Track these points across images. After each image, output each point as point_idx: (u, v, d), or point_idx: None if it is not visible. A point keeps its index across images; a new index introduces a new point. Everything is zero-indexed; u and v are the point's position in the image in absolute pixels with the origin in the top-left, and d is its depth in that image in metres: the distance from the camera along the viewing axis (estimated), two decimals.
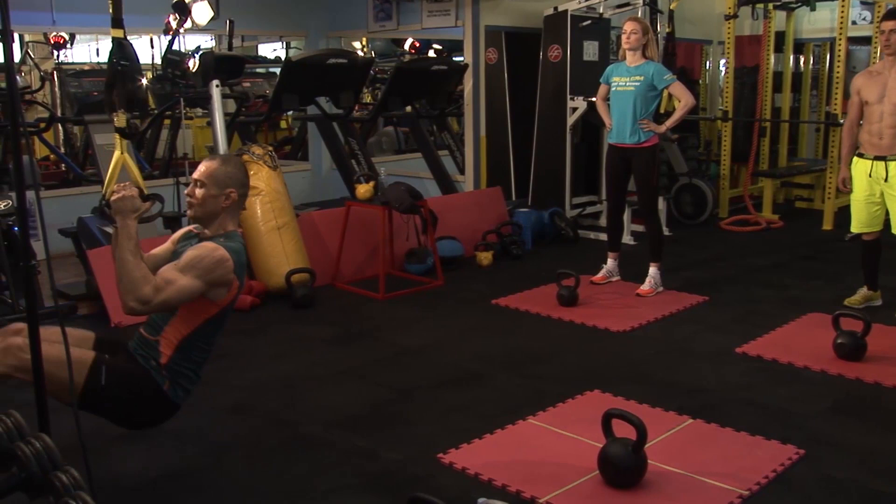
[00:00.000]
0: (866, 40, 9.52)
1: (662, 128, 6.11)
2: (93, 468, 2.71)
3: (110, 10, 5.45)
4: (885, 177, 5.41)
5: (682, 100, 6.03)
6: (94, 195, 6.60)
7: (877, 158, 5.44)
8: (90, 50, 13.51)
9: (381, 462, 3.65)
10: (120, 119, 5.53)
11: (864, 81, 5.53)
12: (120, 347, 3.46)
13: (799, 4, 9.46)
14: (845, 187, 5.74)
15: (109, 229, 6.17)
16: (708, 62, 11.37)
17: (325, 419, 4.10)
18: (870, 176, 5.47)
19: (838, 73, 8.71)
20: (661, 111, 6.22)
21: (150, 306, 3.11)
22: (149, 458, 3.71)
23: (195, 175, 3.36)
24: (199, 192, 3.34)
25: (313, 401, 4.35)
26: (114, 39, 5.62)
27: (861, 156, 5.55)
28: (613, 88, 6.15)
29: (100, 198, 5.94)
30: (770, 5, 9.46)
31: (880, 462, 3.64)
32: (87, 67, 11.20)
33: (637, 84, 6.00)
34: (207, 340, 3.40)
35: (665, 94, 6.27)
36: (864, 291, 5.82)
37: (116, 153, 5.65)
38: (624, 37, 6.05)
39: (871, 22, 9.41)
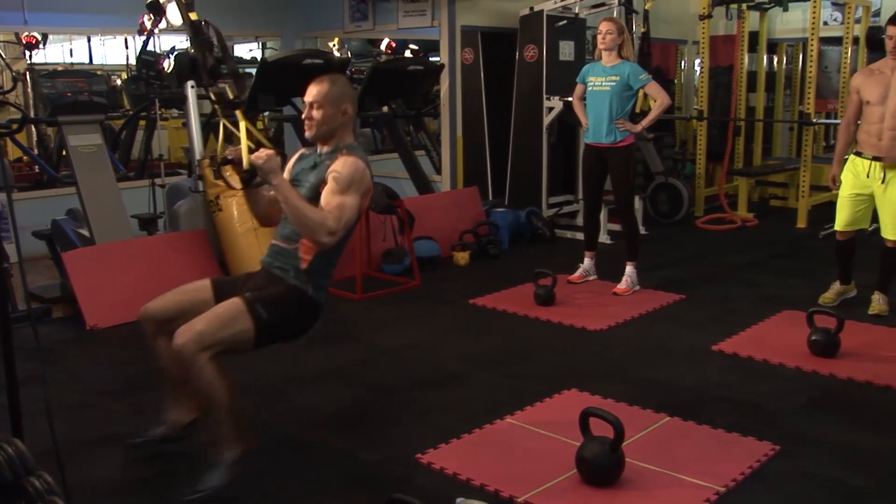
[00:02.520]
0: (837, 40, 9.60)
1: (638, 127, 6.13)
2: (68, 473, 2.68)
3: None
4: (882, 178, 5.38)
5: (658, 99, 6.05)
6: (68, 197, 6.55)
7: (875, 159, 5.39)
8: (63, 50, 13.40)
9: (360, 463, 3.64)
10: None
11: (863, 80, 5.45)
12: (239, 280, 3.64)
13: (772, 5, 9.52)
14: (835, 185, 5.68)
15: (84, 231, 6.16)
16: (683, 62, 11.43)
17: (304, 420, 4.09)
18: (867, 176, 5.41)
19: (811, 72, 8.78)
20: (637, 111, 6.24)
21: (339, 233, 3.32)
22: (126, 462, 3.68)
23: (309, 98, 3.45)
24: (316, 113, 3.44)
25: (292, 402, 4.34)
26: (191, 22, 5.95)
27: (859, 154, 5.49)
28: (589, 88, 6.16)
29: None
30: (744, 6, 9.52)
31: (855, 457, 3.66)
32: (60, 68, 11.11)
33: (613, 84, 6.01)
34: (343, 243, 3.48)
35: (640, 93, 6.29)
36: (836, 287, 5.85)
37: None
38: (599, 37, 6.06)
39: (842, 23, 9.51)
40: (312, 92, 3.46)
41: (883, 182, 5.37)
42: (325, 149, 3.52)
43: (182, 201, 6.56)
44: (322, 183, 3.38)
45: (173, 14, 6.24)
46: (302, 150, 3.70)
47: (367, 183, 3.44)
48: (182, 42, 9.98)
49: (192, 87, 6.59)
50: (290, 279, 3.43)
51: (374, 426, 4.03)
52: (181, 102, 6.87)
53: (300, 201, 3.27)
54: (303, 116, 3.51)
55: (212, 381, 3.24)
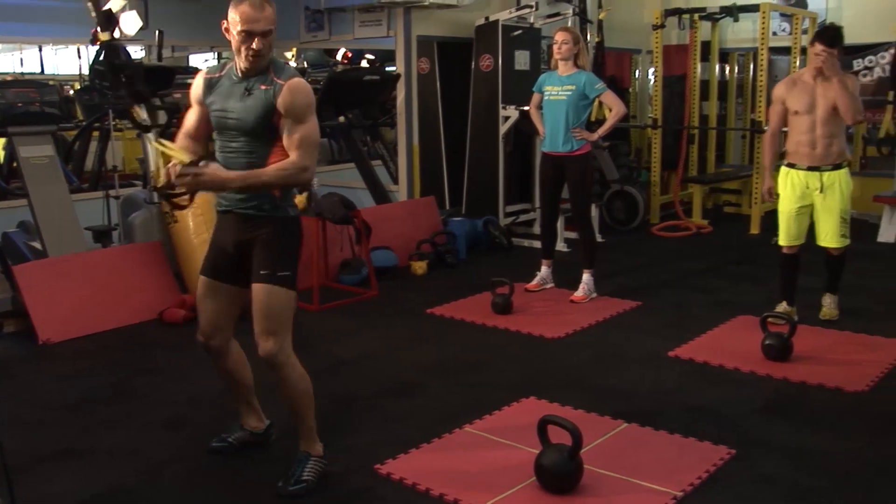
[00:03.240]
0: (786, 50, 9.76)
1: (595, 136, 6.17)
2: (19, 490, 2.63)
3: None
4: (819, 187, 5.35)
5: (614, 108, 6.10)
6: (20, 210, 6.44)
7: (810, 169, 5.36)
8: (13, 60, 13.19)
9: None
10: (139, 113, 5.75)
11: (787, 90, 5.44)
12: (220, 253, 3.49)
13: (723, 15, 9.66)
14: (770, 197, 5.64)
15: (36, 244, 6.06)
16: (637, 71, 11.54)
17: None
18: (807, 187, 5.38)
19: (761, 81, 8.92)
20: (592, 119, 6.28)
21: (314, 161, 3.28)
22: (81, 478, 3.61)
23: (260, 26, 3.13)
24: (264, 42, 3.17)
25: None
26: (103, 43, 5.87)
27: (792, 166, 5.46)
28: (546, 97, 6.20)
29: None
30: (696, 16, 9.66)
31: (807, 458, 3.72)
32: (10, 78, 10.93)
33: (569, 93, 6.05)
34: None
35: (596, 102, 6.34)
36: (783, 306, 5.68)
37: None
38: (555, 47, 6.10)
39: (790, 33, 9.68)
40: (261, 18, 3.14)
41: (821, 191, 5.35)
42: (247, 72, 3.26)
43: (137, 213, 6.50)
44: (273, 112, 3.20)
45: (126, 24, 6.18)
46: (207, 75, 3.40)
47: (313, 96, 3.31)
48: (137, 52, 9.89)
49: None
50: (270, 214, 3.34)
51: (333, 436, 4.00)
52: None
53: (264, 176, 3.19)
54: (246, 48, 3.18)
55: (301, 376, 3.45)
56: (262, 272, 3.33)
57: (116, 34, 6.16)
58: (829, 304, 5.66)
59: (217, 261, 3.49)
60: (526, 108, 6.74)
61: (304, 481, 3.44)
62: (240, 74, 3.28)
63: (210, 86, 3.36)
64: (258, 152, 3.26)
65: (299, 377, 3.45)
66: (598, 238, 7.66)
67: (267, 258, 3.33)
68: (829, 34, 5.26)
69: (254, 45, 3.16)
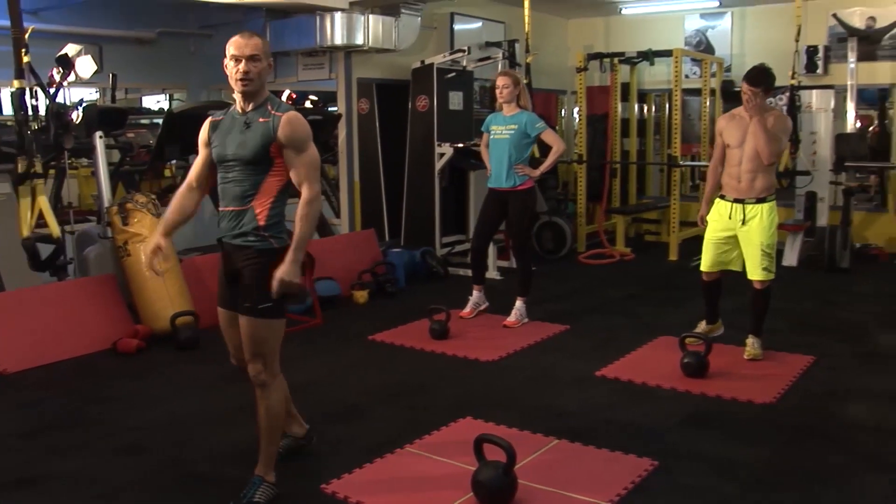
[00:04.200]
0: (697, 91, 10.04)
1: (536, 172, 6.26)
2: None
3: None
4: (742, 219, 5.31)
5: (554, 146, 6.21)
6: None
7: (736, 201, 5.33)
8: None
9: None
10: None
11: (725, 124, 5.41)
12: (224, 284, 3.54)
13: (640, 60, 9.89)
14: (702, 223, 5.62)
15: None
16: (563, 110, 11.75)
17: (215, 456, 4.01)
18: (729, 218, 5.37)
19: (676, 119, 9.14)
20: (538, 156, 6.33)
21: (318, 180, 3.36)
22: None
23: (246, 52, 3.26)
24: (253, 66, 3.28)
25: (203, 439, 4.24)
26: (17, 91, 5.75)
27: (722, 197, 5.43)
28: (491, 137, 6.27)
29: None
30: (615, 60, 9.86)
31: (724, 467, 3.80)
32: None
33: (512, 132, 6.13)
34: (285, 186, 3.42)
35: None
36: (703, 326, 5.79)
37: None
38: (497, 91, 6.19)
39: (700, 76, 9.96)
40: (248, 45, 3.28)
41: (744, 224, 5.30)
42: (249, 107, 3.35)
43: (91, 247, 6.43)
44: (271, 143, 3.28)
45: (82, 68, 6.14)
46: (212, 119, 3.51)
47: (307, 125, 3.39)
48: (91, 94, 9.77)
49: (101, 137, 6.48)
50: (254, 245, 3.37)
51: (280, 459, 3.96)
52: (90, 152, 6.71)
53: (300, 232, 3.29)
54: (237, 71, 3.28)
55: (279, 401, 3.52)
56: (245, 304, 3.37)
57: (72, 78, 6.11)
58: (751, 345, 5.43)
59: (222, 291, 3.56)
60: (460, 144, 6.80)
61: (256, 503, 3.42)
62: (240, 111, 3.38)
63: (214, 127, 3.47)
64: (252, 180, 3.35)
65: (278, 401, 3.50)
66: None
67: (250, 290, 3.36)
68: (751, 73, 5.21)
69: (241, 67, 3.27)
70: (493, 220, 6.39)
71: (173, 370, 5.43)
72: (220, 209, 3.47)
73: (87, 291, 6.01)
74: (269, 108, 3.34)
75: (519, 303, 6.36)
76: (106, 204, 6.33)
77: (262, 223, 3.36)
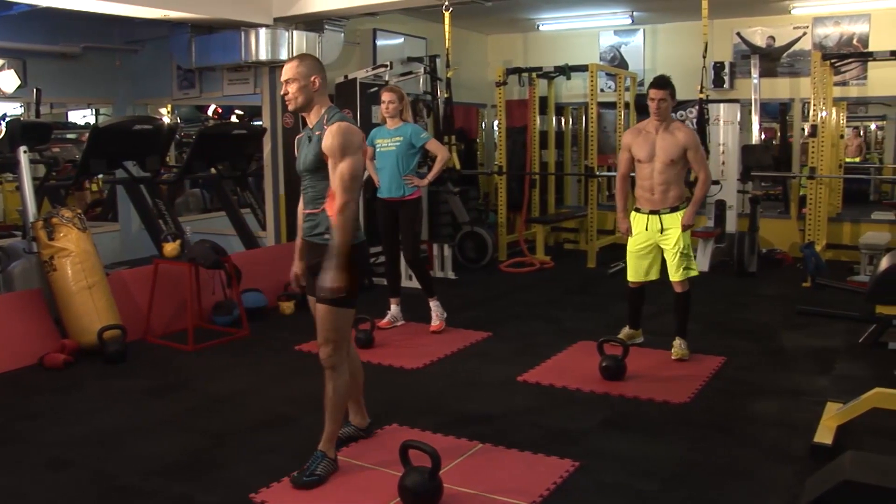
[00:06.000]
0: (612, 105, 10.22)
1: (424, 181, 6.36)
2: None
3: None
4: (660, 229, 5.41)
5: (439, 154, 6.32)
6: None
7: (651, 213, 5.42)
8: None
9: None
10: None
11: (633, 139, 5.49)
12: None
13: (557, 74, 10.03)
14: (628, 234, 5.60)
15: None
16: (483, 123, 11.83)
17: (142, 469, 3.91)
18: (646, 229, 5.47)
19: (592, 131, 9.28)
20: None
21: (353, 189, 3.54)
22: None
23: (284, 76, 3.67)
24: (291, 87, 3.66)
25: (130, 452, 4.14)
26: None
27: (638, 210, 5.51)
28: (378, 149, 6.29)
29: None
30: (534, 74, 9.99)
31: (642, 465, 3.86)
32: None
33: (397, 144, 6.18)
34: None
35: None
36: (626, 330, 5.85)
37: None
38: (383, 106, 6.23)
39: (615, 90, 10.13)
40: (286, 69, 3.67)
41: (662, 232, 5.44)
42: (312, 122, 3.71)
43: (17, 262, 6.24)
44: (322, 153, 3.59)
45: (5, 82, 5.96)
46: (297, 137, 3.89)
47: (356, 136, 3.61)
48: (15, 109, 9.50)
49: (25, 152, 6.29)
50: (328, 242, 3.60)
51: (209, 470, 3.90)
52: (14, 167, 6.52)
53: (336, 236, 3.52)
54: (281, 93, 3.74)
55: (345, 383, 3.77)
56: (321, 294, 3.62)
57: None
58: (678, 346, 5.52)
59: (308, 281, 3.89)
60: None
61: (317, 475, 3.67)
62: (309, 126, 3.75)
63: (298, 143, 3.87)
64: (318, 186, 3.71)
65: (344, 384, 3.77)
66: (451, 275, 7.82)
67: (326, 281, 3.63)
68: (656, 79, 5.39)
69: (283, 90, 3.72)
70: (392, 229, 6.42)
71: (101, 384, 5.28)
72: (303, 211, 3.87)
73: (12, 306, 5.83)
74: (325, 120, 3.66)
75: (433, 303, 6.39)
76: (31, 219, 6.15)
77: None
